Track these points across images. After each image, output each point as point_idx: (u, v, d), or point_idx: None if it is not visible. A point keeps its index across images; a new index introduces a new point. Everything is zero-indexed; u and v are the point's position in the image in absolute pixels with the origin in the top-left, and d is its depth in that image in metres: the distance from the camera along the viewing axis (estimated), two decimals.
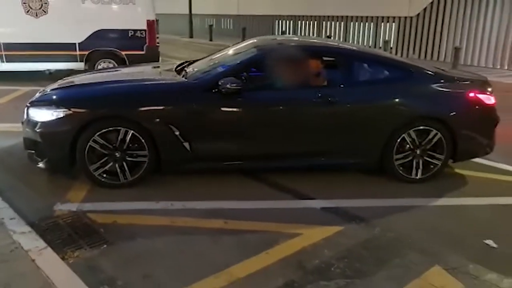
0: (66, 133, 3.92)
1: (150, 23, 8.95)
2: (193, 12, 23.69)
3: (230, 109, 4.12)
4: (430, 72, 4.55)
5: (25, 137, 4.20)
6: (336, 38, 18.25)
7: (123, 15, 8.86)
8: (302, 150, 4.30)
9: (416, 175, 4.44)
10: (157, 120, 3.98)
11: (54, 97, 4.16)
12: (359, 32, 17.52)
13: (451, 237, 3.47)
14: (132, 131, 3.96)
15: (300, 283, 2.79)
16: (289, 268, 2.95)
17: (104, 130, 3.93)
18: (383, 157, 4.37)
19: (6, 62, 8.65)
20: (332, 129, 4.25)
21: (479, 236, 3.45)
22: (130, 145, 4.02)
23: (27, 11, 8.49)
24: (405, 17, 15.70)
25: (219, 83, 3.98)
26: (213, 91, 4.03)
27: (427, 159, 4.42)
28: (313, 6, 18.77)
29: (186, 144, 4.06)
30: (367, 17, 16.98)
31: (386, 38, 15.89)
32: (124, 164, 4.05)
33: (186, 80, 4.30)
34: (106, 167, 4.03)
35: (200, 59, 5.28)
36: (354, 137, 4.31)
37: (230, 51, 4.93)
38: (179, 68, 4.90)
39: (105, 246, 3.17)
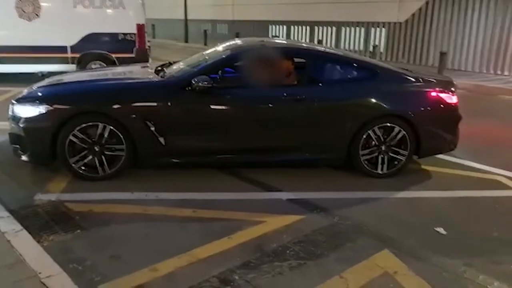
0: (47, 127, 4.15)
1: (139, 27, 9.22)
2: (189, 17, 24.06)
3: (202, 106, 4.36)
4: (394, 72, 4.80)
5: (10, 132, 4.44)
6: (328, 43, 18.55)
7: (114, 19, 9.14)
8: (272, 146, 4.54)
9: (382, 170, 4.68)
10: (134, 116, 4.22)
11: (38, 94, 4.40)
12: (350, 37, 17.81)
13: (405, 225, 3.70)
14: (110, 127, 4.20)
15: (256, 263, 3.02)
16: (248, 251, 3.18)
17: (83, 125, 4.17)
18: (350, 153, 4.61)
19: (0, 64, 8.90)
20: (300, 126, 4.49)
21: (432, 225, 3.69)
22: (109, 139, 4.25)
23: (21, 15, 8.76)
24: (394, 23, 16.00)
25: (192, 82, 4.23)
26: (187, 89, 4.27)
27: (392, 155, 4.66)
28: (306, 11, 19.07)
29: (161, 139, 4.30)
30: (358, 22, 17.28)
31: (376, 43, 16.16)
32: (103, 157, 4.29)
33: (162, 79, 4.55)
34: (85, 161, 4.26)
35: (180, 60, 5.53)
36: (321, 134, 4.55)
37: (209, 53, 5.18)
38: (159, 68, 5.14)
39: (78, 231, 3.40)
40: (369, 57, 15.66)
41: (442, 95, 4.71)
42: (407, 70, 5.15)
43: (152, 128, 4.25)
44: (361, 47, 17.41)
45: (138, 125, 4.23)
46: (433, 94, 4.69)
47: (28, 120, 4.23)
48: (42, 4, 8.80)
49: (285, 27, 20.94)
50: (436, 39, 14.79)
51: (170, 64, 5.32)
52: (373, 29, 16.90)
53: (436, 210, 4.05)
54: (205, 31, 22.12)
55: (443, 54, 12.24)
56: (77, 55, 9.09)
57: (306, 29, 19.78)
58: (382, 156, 4.65)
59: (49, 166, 4.45)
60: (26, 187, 4.17)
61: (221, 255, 3.12)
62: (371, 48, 15.98)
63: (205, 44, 21.16)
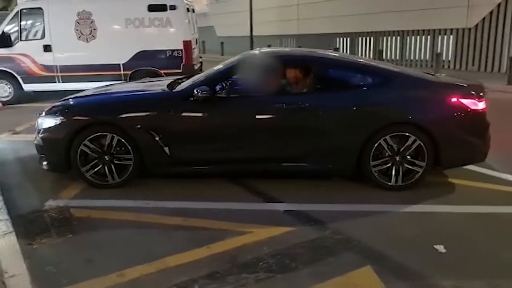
0: (62, 138, 4.43)
1: (185, 44, 9.58)
2: (255, 34, 24.50)
3: (204, 116, 4.39)
4: (410, 78, 4.49)
5: (36, 143, 4.80)
6: (392, 54, 17.86)
7: (161, 37, 9.57)
8: (276, 155, 4.43)
9: (396, 182, 4.36)
10: (139, 126, 4.36)
11: (57, 107, 4.72)
12: (416, 46, 16.99)
13: (402, 241, 3.40)
14: (118, 137, 4.38)
15: (222, 274, 2.95)
16: (220, 261, 3.11)
17: (92, 136, 4.39)
18: (360, 164, 4.36)
19: (62, 82, 9.72)
20: (304, 135, 4.34)
21: (434, 242, 3.35)
22: (118, 149, 4.43)
23: (79, 37, 9.52)
24: (463, 29, 15.01)
25: (194, 92, 4.29)
26: (190, 99, 4.34)
27: (408, 166, 4.33)
28: (369, 22, 18.57)
29: (166, 149, 4.39)
30: (423, 30, 16.46)
31: (440, 51, 15.24)
32: (112, 166, 4.47)
33: (169, 90, 4.66)
34: (96, 169, 4.47)
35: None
36: (327, 144, 4.36)
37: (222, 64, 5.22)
38: (178, 81, 5.27)
39: (70, 235, 3.57)
40: (432, 66, 14.86)
41: (465, 100, 4.30)
42: (429, 74, 4.79)
43: (157, 138, 4.36)
44: (427, 57, 16.54)
45: (143, 135, 4.36)
46: (453, 100, 4.30)
47: (46, 130, 4.55)
48: (98, 26, 9.49)
49: (349, 39, 20.55)
50: (509, 44, 13.63)
51: (189, 77, 5.43)
52: (440, 37, 16.00)
53: (445, 226, 3.67)
54: (268, 46, 22.39)
55: None
56: (129, 72, 9.63)
57: (370, 40, 19.24)
58: (396, 167, 4.34)
59: (66, 174, 4.72)
60: (42, 193, 4.45)
61: (191, 264, 3.08)
62: (441, 57, 15.10)
63: None
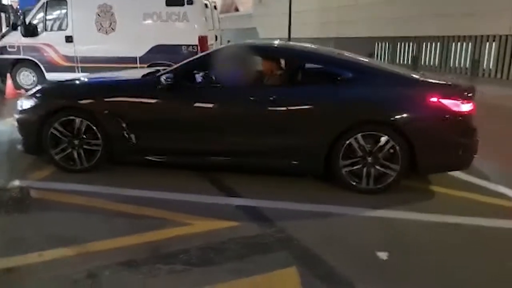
0: (34, 121, 4.48)
1: (201, 39, 9.57)
2: (295, 36, 24.29)
3: (168, 105, 4.29)
4: (386, 73, 4.20)
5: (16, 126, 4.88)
6: (433, 60, 17.08)
7: (178, 32, 9.62)
8: (240, 148, 4.26)
9: (367, 184, 4.08)
10: (106, 112, 4.34)
11: (36, 91, 4.79)
12: (456, 53, 16.15)
13: (345, 246, 3.15)
14: (86, 122, 4.38)
15: (138, 263, 2.84)
16: (141, 250, 3.00)
17: (62, 119, 4.41)
18: (329, 163, 4.12)
19: (81, 72, 9.99)
20: (269, 130, 4.15)
21: (379, 248, 3.08)
22: (87, 134, 4.43)
23: (99, 29, 9.76)
24: (506, 36, 14.10)
25: (160, 80, 4.21)
26: (157, 87, 4.25)
27: (380, 168, 4.04)
28: (410, 26, 17.89)
29: (132, 136, 4.34)
30: (464, 36, 15.62)
31: (485, 59, 14.40)
32: (81, 151, 4.48)
33: (138, 78, 4.59)
34: (65, 153, 4.49)
35: None
36: (294, 139, 4.14)
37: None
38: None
39: (16, 214, 3.59)
40: (468, 74, 14.07)
41: (446, 101, 3.95)
42: (411, 71, 4.46)
43: (123, 125, 4.32)
44: (467, 64, 15.68)
45: (111, 121, 4.33)
46: (432, 99, 3.96)
47: (21, 112, 4.61)
48: (117, 19, 9.68)
49: (388, 43, 19.92)
50: None
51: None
52: (481, 43, 15.12)
53: (400, 234, 3.37)
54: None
55: None
56: (145, 65, 9.74)
57: (410, 45, 18.53)
58: (368, 169, 4.06)
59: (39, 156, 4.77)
60: (13, 173, 4.53)
61: (113, 251, 2.99)
62: (477, 64, 14.31)
63: None
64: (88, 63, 9.90)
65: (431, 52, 17.34)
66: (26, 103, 4.63)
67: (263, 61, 4.46)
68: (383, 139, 3.96)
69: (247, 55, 4.43)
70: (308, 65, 4.38)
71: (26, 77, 10.30)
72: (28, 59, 10.13)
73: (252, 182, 4.34)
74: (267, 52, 4.66)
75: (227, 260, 2.90)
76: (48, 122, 4.42)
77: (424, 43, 17.59)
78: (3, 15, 17.24)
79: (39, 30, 9.96)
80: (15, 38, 10.06)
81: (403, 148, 3.95)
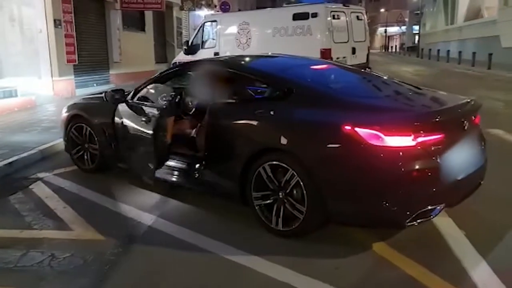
0: (64, 126, 5.44)
1: (323, 52, 9.20)
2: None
3: (120, 118, 4.50)
4: (315, 93, 3.37)
5: None
6: None
7: (302, 45, 9.46)
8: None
9: (276, 225, 3.41)
10: (96, 121, 4.92)
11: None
12: None
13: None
14: (89, 129, 5.08)
15: None
16: None
17: (75, 126, 5.22)
18: (243, 192, 3.62)
19: None
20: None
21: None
22: (91, 139, 5.12)
23: (238, 45, 10.57)
24: None
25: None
26: (125, 102, 4.56)
27: (288, 207, 3.32)
28: None
29: (112, 145, 4.78)
30: None
31: None
32: (88, 153, 5.20)
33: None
34: (79, 154, 5.29)
35: None
36: (208, 162, 3.79)
37: None
38: None
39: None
40: None
41: (361, 130, 2.93)
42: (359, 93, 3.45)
43: (106, 134, 4.81)
44: None
45: (99, 129, 4.88)
46: (347, 127, 2.97)
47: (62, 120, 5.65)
48: (252, 35, 10.28)
49: None
50: None
51: None
52: None
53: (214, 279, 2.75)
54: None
55: None
56: None
57: None
58: (278, 205, 3.39)
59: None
60: (48, 168, 5.57)
61: None
62: None
63: None
64: None
65: None
66: (63, 110, 5.63)
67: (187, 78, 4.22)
68: (289, 172, 3.25)
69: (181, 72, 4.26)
70: (223, 78, 3.90)
71: None
72: None
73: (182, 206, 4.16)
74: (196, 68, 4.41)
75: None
76: (69, 127, 5.30)
77: None
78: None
79: (196, 49, 11.48)
80: (182, 57, 11.84)
81: (309, 186, 3.15)
